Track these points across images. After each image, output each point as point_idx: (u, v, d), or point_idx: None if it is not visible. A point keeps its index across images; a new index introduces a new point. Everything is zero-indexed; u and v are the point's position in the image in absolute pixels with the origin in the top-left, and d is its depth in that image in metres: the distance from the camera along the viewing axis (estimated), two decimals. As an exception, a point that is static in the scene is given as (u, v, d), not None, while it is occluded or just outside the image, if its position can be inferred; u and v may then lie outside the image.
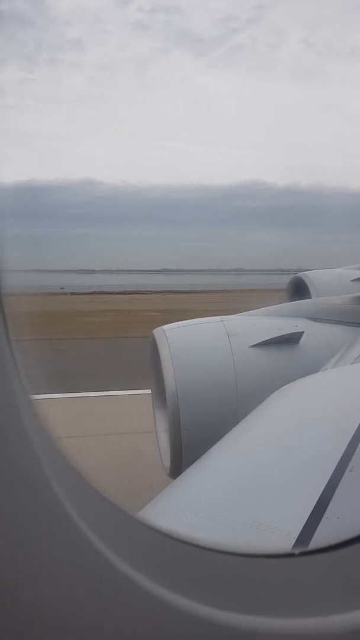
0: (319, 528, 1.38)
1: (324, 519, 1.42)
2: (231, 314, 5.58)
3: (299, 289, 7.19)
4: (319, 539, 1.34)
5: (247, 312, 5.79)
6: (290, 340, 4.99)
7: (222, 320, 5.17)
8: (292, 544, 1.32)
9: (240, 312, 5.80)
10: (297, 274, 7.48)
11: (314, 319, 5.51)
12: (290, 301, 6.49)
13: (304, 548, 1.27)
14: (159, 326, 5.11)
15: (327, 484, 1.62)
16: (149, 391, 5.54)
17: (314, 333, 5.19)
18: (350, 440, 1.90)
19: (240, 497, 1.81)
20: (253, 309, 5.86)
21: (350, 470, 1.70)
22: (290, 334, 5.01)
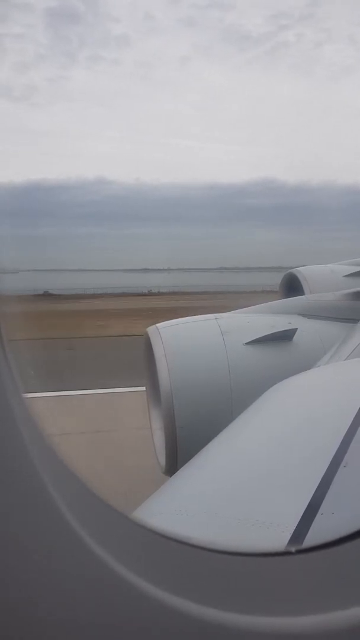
0: (313, 524, 1.39)
1: (318, 515, 1.43)
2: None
3: (292, 286, 7.21)
4: (314, 535, 1.34)
5: (240, 309, 5.80)
6: (283, 337, 5.01)
7: (215, 318, 5.18)
8: (287, 541, 1.33)
9: (234, 310, 5.81)
10: (290, 271, 7.50)
11: (307, 315, 5.53)
12: (284, 298, 6.50)
13: (299, 545, 1.27)
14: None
15: (321, 480, 1.62)
16: (143, 388, 5.55)
17: (307, 330, 5.21)
18: (344, 436, 1.91)
19: (235, 494, 1.82)
20: (247, 307, 5.87)
21: (345, 466, 1.71)
22: (284, 331, 5.03)
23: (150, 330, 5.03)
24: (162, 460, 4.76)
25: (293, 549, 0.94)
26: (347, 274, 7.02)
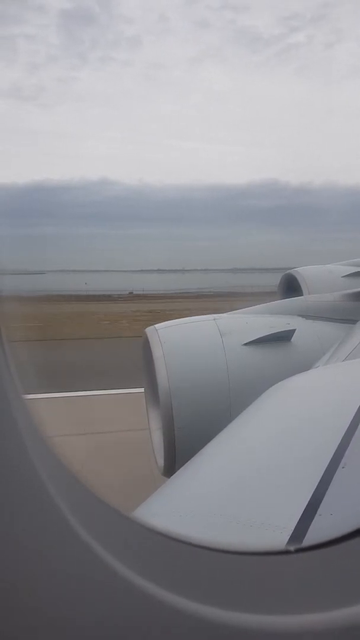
0: (312, 525, 1.39)
1: (317, 516, 1.43)
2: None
3: (291, 286, 7.22)
4: (313, 535, 1.35)
5: (239, 310, 5.81)
6: (282, 338, 5.02)
7: (214, 319, 5.18)
8: (286, 541, 1.33)
9: (233, 310, 5.82)
10: (288, 271, 7.51)
11: (306, 316, 5.54)
12: (283, 298, 6.51)
13: (298, 545, 1.28)
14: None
15: (320, 481, 1.63)
16: (142, 390, 5.55)
17: (306, 330, 5.22)
18: (343, 437, 1.92)
19: (234, 494, 1.82)
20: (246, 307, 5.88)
21: (343, 467, 1.71)
22: (282, 331, 5.03)
23: (149, 330, 5.03)
24: (161, 461, 4.76)
25: (292, 548, 0.95)
26: (345, 274, 7.04)
